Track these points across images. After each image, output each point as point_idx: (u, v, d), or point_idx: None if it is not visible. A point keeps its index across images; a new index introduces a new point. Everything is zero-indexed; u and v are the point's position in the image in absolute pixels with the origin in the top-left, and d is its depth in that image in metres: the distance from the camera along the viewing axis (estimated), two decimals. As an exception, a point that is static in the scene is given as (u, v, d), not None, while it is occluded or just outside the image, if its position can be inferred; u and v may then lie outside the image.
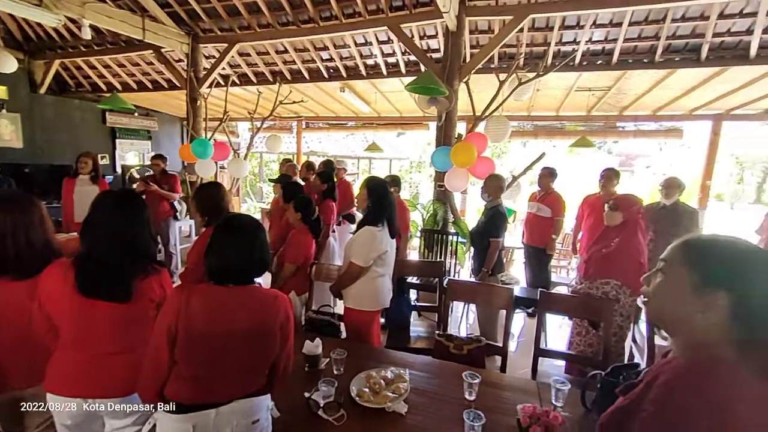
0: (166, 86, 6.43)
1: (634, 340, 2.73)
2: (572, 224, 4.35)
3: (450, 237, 4.08)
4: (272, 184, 3.50)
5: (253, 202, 11.27)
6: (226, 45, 4.88)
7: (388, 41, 4.73)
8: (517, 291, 3.67)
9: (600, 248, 2.47)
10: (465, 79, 4.01)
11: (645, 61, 4.13)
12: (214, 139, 5.23)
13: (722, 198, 17.55)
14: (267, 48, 5.22)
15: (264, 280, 2.57)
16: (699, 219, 3.28)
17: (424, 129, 7.68)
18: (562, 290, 3.87)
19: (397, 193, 3.73)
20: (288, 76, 5.66)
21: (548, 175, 3.85)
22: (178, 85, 5.29)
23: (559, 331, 3.82)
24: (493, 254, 3.02)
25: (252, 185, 12.95)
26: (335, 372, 1.68)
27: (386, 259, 2.11)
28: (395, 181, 3.81)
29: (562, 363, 2.71)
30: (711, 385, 0.68)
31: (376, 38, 4.72)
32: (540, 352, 2.21)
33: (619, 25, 3.88)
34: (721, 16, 3.60)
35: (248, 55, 5.46)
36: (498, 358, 2.26)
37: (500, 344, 2.26)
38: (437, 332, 2.31)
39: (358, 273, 2.05)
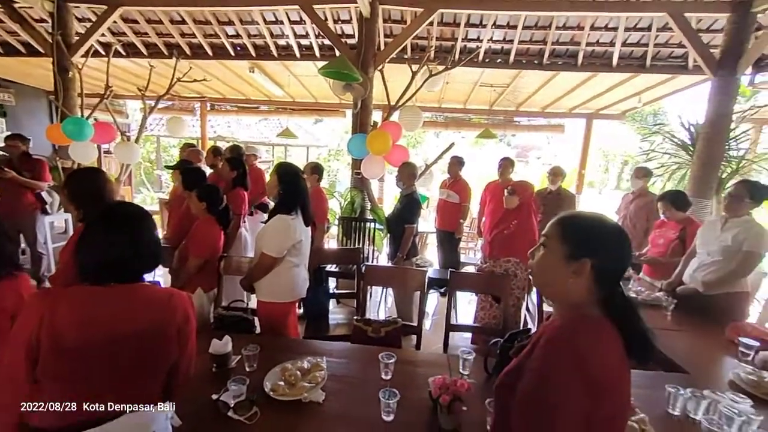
0: (23, 51, 5.26)
1: (528, 308, 3.12)
2: (477, 209, 4.74)
3: (368, 224, 4.14)
4: (170, 171, 3.12)
5: (150, 192, 9.99)
6: (105, 7, 4.15)
7: (301, 22, 4.53)
8: (431, 273, 3.89)
9: (501, 230, 2.74)
10: (379, 68, 4.04)
11: (535, 62, 4.64)
12: (95, 119, 4.47)
13: (593, 185, 20.89)
14: (159, 16, 4.58)
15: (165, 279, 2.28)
16: (575, 202, 3.84)
17: (341, 116, 7.60)
18: (470, 270, 4.22)
19: (317, 182, 3.64)
20: (187, 51, 5.07)
21: (457, 163, 4.12)
22: (41, 51, 4.36)
23: (468, 307, 4.17)
24: (408, 239, 3.15)
25: (148, 173, 11.45)
26: (248, 369, 1.59)
27: (301, 248, 2.05)
28: (316, 168, 3.70)
29: (470, 335, 2.97)
30: (578, 337, 0.80)
31: (288, 17, 4.48)
32: (450, 328, 2.37)
33: (515, 27, 4.28)
34: (593, 27, 4.20)
35: (135, 21, 4.73)
36: (414, 337, 2.38)
37: (415, 324, 2.37)
38: (355, 318, 2.34)
39: (271, 264, 1.95)
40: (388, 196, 7.46)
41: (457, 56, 4.52)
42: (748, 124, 5.03)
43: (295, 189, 1.98)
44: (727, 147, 3.99)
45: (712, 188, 3.72)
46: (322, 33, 4.27)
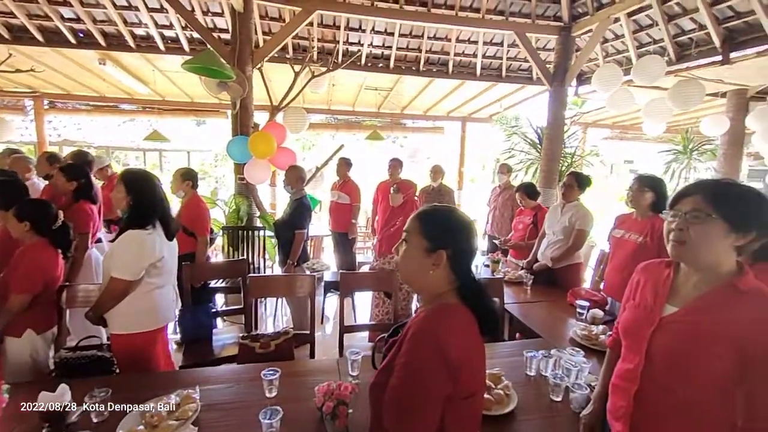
0: None
1: (419, 300, 3.30)
2: (371, 208, 4.86)
3: (258, 232, 3.88)
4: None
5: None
6: None
7: (162, 10, 4.00)
8: (328, 276, 3.86)
9: (389, 228, 2.84)
10: (258, 66, 3.83)
11: (413, 68, 4.96)
12: None
13: (474, 180, 23.56)
14: (-47, -15, 3.55)
15: None
16: (455, 197, 4.22)
17: (222, 117, 6.98)
18: (366, 269, 4.30)
19: (192, 189, 3.23)
20: (4, 34, 4.04)
21: (345, 164, 4.15)
22: None
23: (368, 306, 4.24)
24: (299, 245, 3.04)
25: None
26: (96, 420, 1.31)
27: (164, 266, 1.78)
28: (188, 174, 3.28)
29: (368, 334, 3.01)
30: (438, 327, 0.85)
31: (145, 4, 3.91)
32: (345, 329, 2.36)
33: (392, 34, 4.51)
34: (458, 40, 4.68)
35: None
36: (309, 346, 2.29)
37: (308, 331, 2.29)
38: (240, 335, 2.15)
39: (124, 289, 1.65)
40: (281, 201, 7.14)
41: (339, 59, 4.56)
42: (578, 127, 6.23)
43: (149, 198, 1.71)
44: (563, 145, 4.86)
45: (555, 179, 4.49)
46: (188, 24, 3.85)
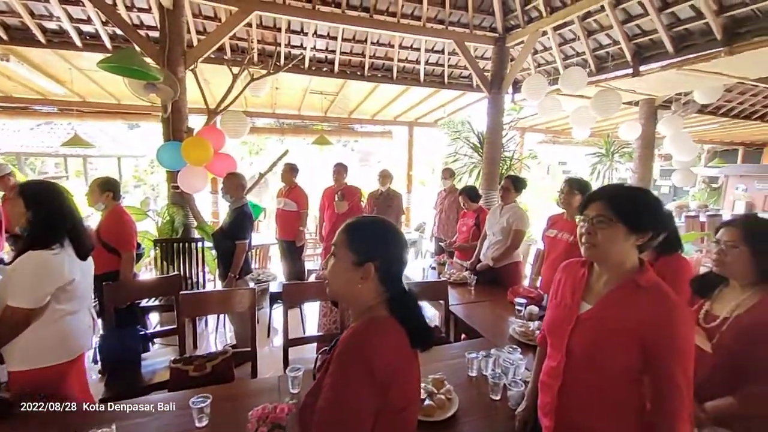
0: None
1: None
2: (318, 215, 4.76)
3: (196, 244, 3.62)
4: None
5: None
6: None
7: (77, 2, 3.62)
8: (276, 287, 3.70)
9: (335, 235, 2.78)
10: (192, 67, 3.60)
11: (358, 73, 4.96)
12: None
13: (425, 184, 24.10)
14: None
15: None
16: (402, 200, 4.27)
17: (155, 121, 6.47)
18: (314, 277, 4.19)
19: (113, 200, 2.93)
20: None
21: (289, 170, 4.03)
22: None
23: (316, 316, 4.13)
24: (239, 257, 2.88)
25: None
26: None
27: (76, 290, 1.58)
28: (107, 184, 2.97)
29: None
30: (365, 344, 0.82)
31: (54, -6, 3.51)
32: (290, 343, 2.27)
33: (335, 38, 4.47)
34: (401, 46, 4.76)
35: None
36: (250, 364, 2.17)
37: (249, 348, 2.16)
38: (172, 359, 1.98)
39: (24, 319, 1.44)
40: (224, 210, 6.77)
41: (281, 61, 4.42)
42: (516, 132, 6.61)
43: (54, 213, 1.51)
44: (503, 149, 5.12)
45: (496, 181, 4.71)
46: (109, 19, 3.51)
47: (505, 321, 2.31)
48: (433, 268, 3.22)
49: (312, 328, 3.71)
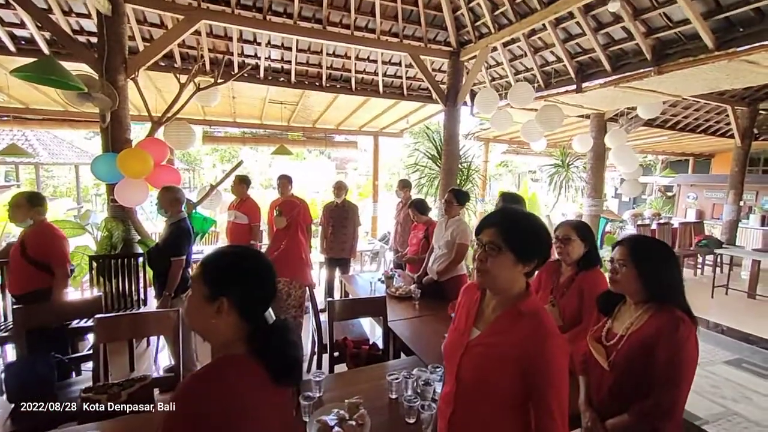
0: None
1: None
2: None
3: (136, 260, 3.45)
4: None
5: None
6: None
7: (7, 5, 3.42)
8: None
9: (273, 251, 2.72)
10: (133, 75, 3.46)
11: (316, 84, 4.93)
12: None
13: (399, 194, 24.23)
14: None
15: None
16: (357, 212, 4.23)
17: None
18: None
19: (38, 215, 2.73)
20: None
21: (239, 182, 3.93)
22: None
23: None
24: (176, 274, 2.75)
25: None
26: None
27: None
28: (34, 198, 2.78)
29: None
30: (194, 396, 0.77)
31: (-20, -4, 3.32)
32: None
33: (290, 49, 4.43)
34: (358, 58, 4.77)
35: None
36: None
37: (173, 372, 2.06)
38: (83, 388, 1.85)
39: None
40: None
41: (235, 70, 4.34)
42: (477, 142, 6.73)
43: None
44: (460, 160, 5.19)
45: (454, 193, 4.76)
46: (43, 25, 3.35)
47: (442, 337, 2.29)
48: (381, 282, 3.20)
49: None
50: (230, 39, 4.23)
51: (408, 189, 4.36)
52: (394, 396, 1.65)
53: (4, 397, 2.10)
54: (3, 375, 2.01)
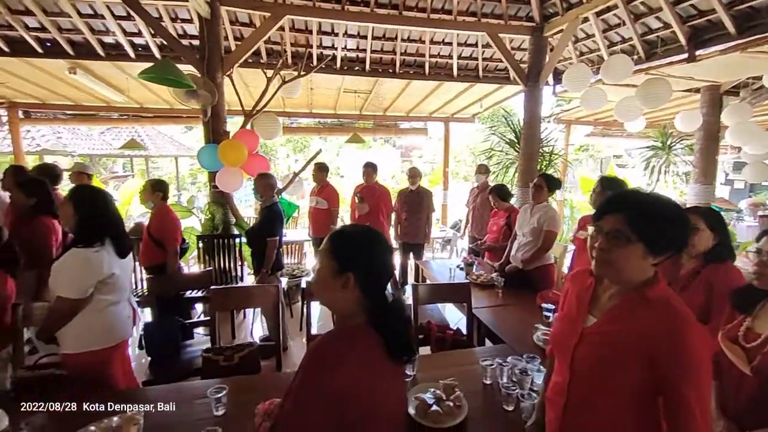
0: None
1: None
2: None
3: (235, 240, 3.84)
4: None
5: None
6: None
7: (129, 17, 3.94)
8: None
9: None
10: (228, 72, 3.79)
11: (389, 71, 4.94)
12: None
13: (468, 179, 23.52)
14: None
15: None
16: (432, 198, 4.21)
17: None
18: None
19: (162, 200, 3.18)
20: (-33, 45, 3.95)
21: (319, 170, 4.12)
22: None
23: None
24: (271, 253, 3.01)
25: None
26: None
27: (116, 282, 1.75)
28: (158, 185, 3.23)
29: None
30: (326, 354, 0.84)
31: (110, 11, 3.85)
32: (310, 338, 2.34)
33: (366, 37, 4.49)
34: (432, 41, 4.67)
35: None
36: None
37: (274, 342, 2.26)
38: (203, 349, 2.13)
39: (71, 308, 1.62)
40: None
41: (314, 62, 4.52)
42: (557, 125, 6.24)
43: (98, 217, 1.68)
44: (541, 144, 4.87)
45: (533, 179, 4.49)
46: (156, 32, 3.80)
47: (531, 327, 2.20)
48: (461, 269, 3.16)
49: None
50: (310, 32, 4.41)
51: (487, 174, 4.21)
52: (488, 381, 1.63)
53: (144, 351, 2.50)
54: (142, 333, 2.38)
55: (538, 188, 2.80)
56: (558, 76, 5.10)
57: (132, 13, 3.67)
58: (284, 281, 3.66)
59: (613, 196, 1.01)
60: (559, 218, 2.78)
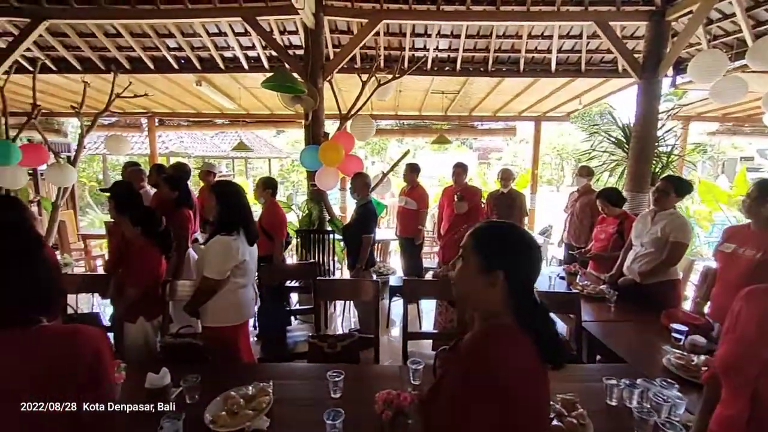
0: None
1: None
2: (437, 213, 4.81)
3: (329, 236, 4.08)
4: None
5: (98, 213, 9.33)
6: (28, 21, 3.86)
7: (246, 33, 4.43)
8: (394, 281, 3.90)
9: (452, 234, 2.80)
10: (328, 78, 4.03)
11: (481, 69, 4.81)
12: (27, 140, 4.14)
13: (552, 182, 21.84)
14: (92, 29, 4.32)
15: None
16: (525, 201, 3.99)
17: (298, 127, 7.48)
18: (430, 275, 4.25)
19: (271, 197, 3.53)
20: (126, 65, 4.81)
21: (410, 171, 4.17)
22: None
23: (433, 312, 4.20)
24: (366, 249, 3.12)
25: (93, 194, 10.70)
26: (189, 401, 1.50)
27: (246, 268, 1.98)
28: (268, 183, 3.58)
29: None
30: (489, 347, 0.81)
31: (232, 29, 4.37)
32: (408, 336, 2.36)
33: (458, 36, 4.43)
34: (530, 36, 4.42)
35: (65, 35, 4.43)
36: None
37: (372, 335, 2.34)
38: (310, 335, 2.29)
39: (213, 287, 1.87)
40: (350, 206, 7.42)
41: (406, 65, 4.60)
42: (675, 122, 5.46)
43: (235, 208, 1.92)
44: (657, 144, 4.30)
45: (647, 183, 3.98)
46: (268, 44, 4.21)
47: (657, 349, 1.95)
48: (562, 278, 2.93)
49: (427, 324, 3.79)
50: (404, 35, 4.49)
51: (590, 177, 3.86)
52: (613, 403, 1.48)
53: (256, 331, 2.79)
54: (256, 315, 2.64)
55: (663, 193, 2.46)
56: (678, 66, 4.47)
57: (249, 29, 4.13)
58: (374, 278, 3.78)
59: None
60: (690, 228, 2.41)
